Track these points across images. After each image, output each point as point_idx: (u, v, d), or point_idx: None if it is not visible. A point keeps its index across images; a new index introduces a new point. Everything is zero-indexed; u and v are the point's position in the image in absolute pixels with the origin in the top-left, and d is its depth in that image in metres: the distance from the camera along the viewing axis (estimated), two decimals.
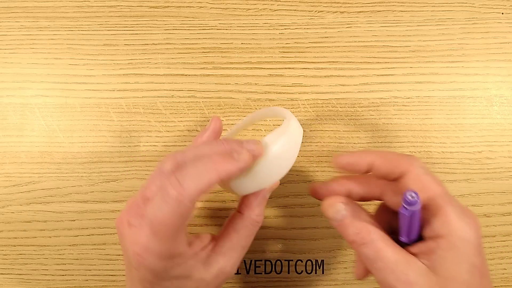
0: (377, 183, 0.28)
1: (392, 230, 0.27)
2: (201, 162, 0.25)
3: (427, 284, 0.24)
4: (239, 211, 0.29)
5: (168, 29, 0.37)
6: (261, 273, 0.36)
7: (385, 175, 0.28)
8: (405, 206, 0.23)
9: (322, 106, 0.37)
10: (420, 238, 0.26)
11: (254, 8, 0.38)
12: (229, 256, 0.28)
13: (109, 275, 0.36)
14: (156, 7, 0.38)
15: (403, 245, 0.26)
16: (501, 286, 0.36)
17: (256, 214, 0.28)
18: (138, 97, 0.37)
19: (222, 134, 0.31)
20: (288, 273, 0.36)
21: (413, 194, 0.23)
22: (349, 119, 0.37)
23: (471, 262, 0.24)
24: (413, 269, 0.24)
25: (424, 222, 0.25)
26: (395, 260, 0.24)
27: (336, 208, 0.27)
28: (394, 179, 0.27)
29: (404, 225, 0.25)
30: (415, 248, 0.25)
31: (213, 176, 0.25)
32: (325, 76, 0.37)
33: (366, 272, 0.29)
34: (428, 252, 0.25)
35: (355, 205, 0.27)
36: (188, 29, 0.37)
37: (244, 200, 0.29)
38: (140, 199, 0.26)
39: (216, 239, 0.28)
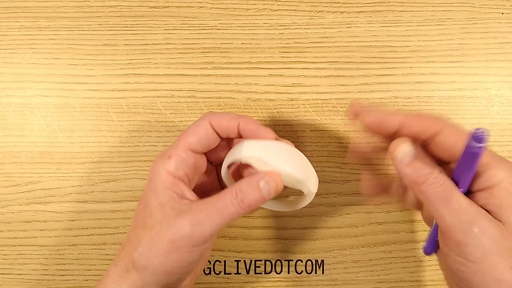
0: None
1: None
2: None
3: (497, 231, 0.24)
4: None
5: (168, 29, 0.37)
6: (261, 273, 0.36)
7: (417, 135, 0.27)
8: (474, 142, 0.22)
9: (322, 106, 0.37)
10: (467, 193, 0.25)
11: (254, 8, 0.38)
12: (197, 216, 0.26)
13: None
14: (156, 7, 0.38)
15: None
16: None
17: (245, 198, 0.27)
18: (138, 97, 0.37)
19: None
20: (288, 273, 0.36)
21: (483, 130, 0.22)
22: (349, 119, 0.37)
23: None
24: (483, 214, 0.24)
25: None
26: (468, 202, 0.24)
27: (405, 149, 0.26)
28: (425, 139, 0.27)
29: (466, 167, 0.24)
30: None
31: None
32: (325, 76, 0.37)
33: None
34: (484, 203, 0.24)
35: (420, 148, 0.27)
36: (188, 29, 0.37)
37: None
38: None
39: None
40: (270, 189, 0.27)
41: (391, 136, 0.28)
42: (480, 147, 0.23)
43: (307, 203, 0.30)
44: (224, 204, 0.27)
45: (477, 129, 0.22)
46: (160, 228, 0.26)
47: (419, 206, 0.31)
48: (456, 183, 0.25)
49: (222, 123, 0.29)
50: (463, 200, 0.24)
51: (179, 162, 0.28)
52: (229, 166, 0.30)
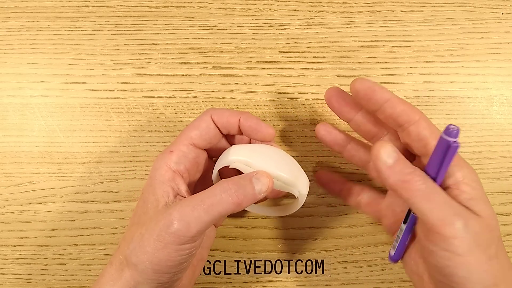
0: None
1: None
2: None
3: (477, 224, 0.25)
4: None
5: (168, 29, 0.37)
6: (261, 273, 0.36)
7: (395, 117, 0.27)
8: (448, 137, 0.23)
9: (322, 106, 0.37)
10: None
11: (254, 8, 0.38)
12: (183, 211, 0.25)
13: None
14: (156, 7, 0.38)
15: None
16: None
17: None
18: (138, 97, 0.37)
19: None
20: (288, 273, 0.36)
21: (454, 126, 0.23)
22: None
23: (487, 199, 0.26)
24: (465, 208, 0.25)
25: None
26: (449, 197, 0.25)
27: (387, 151, 0.26)
28: (399, 124, 0.28)
29: (440, 162, 0.24)
30: None
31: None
32: (325, 76, 0.37)
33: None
34: (455, 199, 0.25)
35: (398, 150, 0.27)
36: (188, 29, 0.37)
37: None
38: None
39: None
40: (262, 186, 0.26)
41: (370, 113, 0.29)
42: (455, 141, 0.23)
43: (299, 206, 0.30)
44: (213, 199, 0.25)
45: (449, 125, 0.23)
46: (150, 225, 0.25)
47: (375, 212, 0.32)
48: (433, 179, 0.26)
49: (223, 118, 0.29)
50: (446, 195, 0.25)
51: (180, 156, 0.28)
52: (221, 175, 0.30)
